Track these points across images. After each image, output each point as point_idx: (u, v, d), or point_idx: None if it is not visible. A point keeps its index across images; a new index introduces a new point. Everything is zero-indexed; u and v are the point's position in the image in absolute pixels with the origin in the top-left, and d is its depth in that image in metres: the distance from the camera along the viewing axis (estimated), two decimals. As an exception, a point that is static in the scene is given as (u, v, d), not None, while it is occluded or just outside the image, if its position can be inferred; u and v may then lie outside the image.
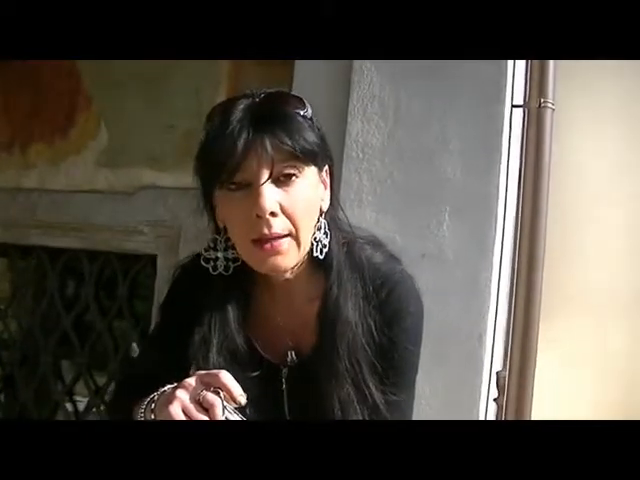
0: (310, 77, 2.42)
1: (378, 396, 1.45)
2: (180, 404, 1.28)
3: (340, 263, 1.48)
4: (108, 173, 3.01)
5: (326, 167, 1.49)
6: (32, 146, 3.16)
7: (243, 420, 1.30)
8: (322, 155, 1.45)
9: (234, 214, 1.42)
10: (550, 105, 2.25)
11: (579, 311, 2.43)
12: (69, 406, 3.30)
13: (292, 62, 2.49)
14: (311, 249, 1.45)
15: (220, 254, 1.48)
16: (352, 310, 1.46)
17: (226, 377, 1.29)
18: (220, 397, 1.28)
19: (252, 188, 1.38)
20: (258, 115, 1.38)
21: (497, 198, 2.21)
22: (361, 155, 2.35)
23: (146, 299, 3.05)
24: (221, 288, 1.48)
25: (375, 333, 1.47)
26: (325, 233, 1.47)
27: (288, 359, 1.52)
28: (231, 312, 1.48)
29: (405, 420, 1.52)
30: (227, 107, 1.41)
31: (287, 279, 1.48)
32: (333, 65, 2.40)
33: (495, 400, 2.26)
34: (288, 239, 1.41)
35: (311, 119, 1.44)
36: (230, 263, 1.48)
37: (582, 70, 2.23)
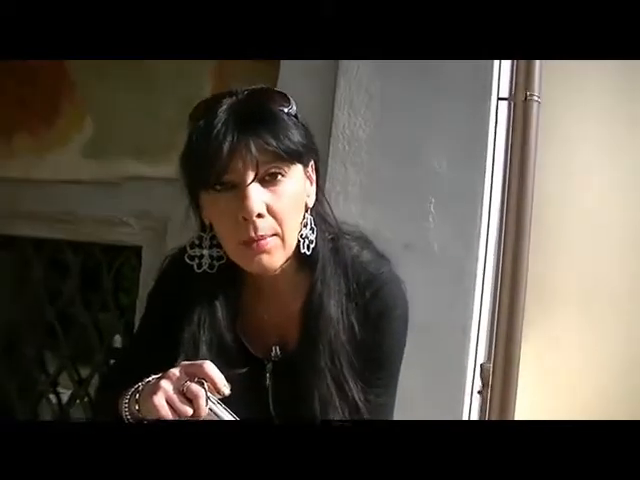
0: (296, 68, 2.41)
1: (358, 394, 1.45)
2: (164, 395, 1.28)
3: (325, 259, 1.47)
4: (93, 164, 2.98)
5: (312, 162, 1.49)
6: (16, 136, 3.13)
7: (226, 420, 1.30)
8: (307, 152, 1.45)
9: (220, 215, 1.42)
10: (536, 98, 2.26)
11: (564, 303, 2.44)
12: (53, 398, 3.28)
13: (278, 54, 2.48)
14: (298, 245, 1.45)
15: (205, 252, 1.47)
16: (335, 307, 1.46)
17: (210, 368, 1.30)
18: (204, 388, 1.28)
19: (238, 190, 1.37)
20: (242, 116, 1.37)
21: (483, 190, 2.21)
22: (347, 147, 2.34)
23: (131, 291, 3.03)
24: (209, 284, 1.48)
25: (358, 332, 1.47)
26: (311, 229, 1.47)
27: (272, 354, 1.52)
28: (219, 309, 1.48)
29: (387, 420, 1.52)
30: (210, 107, 1.40)
31: (274, 275, 1.47)
32: (319, 56, 2.39)
33: (479, 392, 2.26)
34: (274, 238, 1.40)
35: (296, 116, 1.44)
36: (215, 261, 1.48)
37: (567, 63, 2.23)
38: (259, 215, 1.37)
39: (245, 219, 1.37)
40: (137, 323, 1.77)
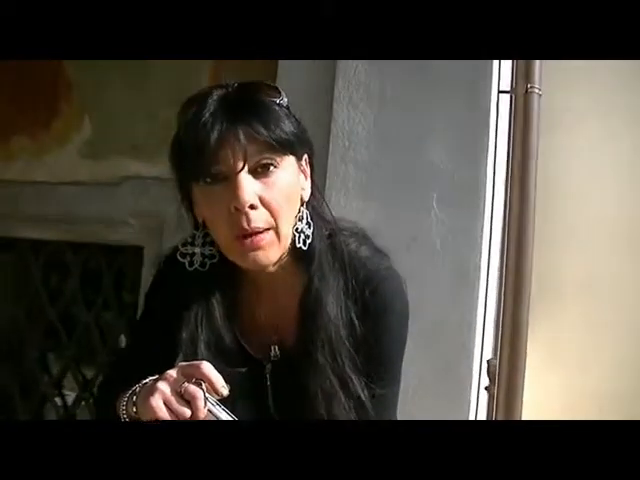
0: (295, 65, 2.39)
1: (362, 389, 1.43)
2: (161, 396, 1.26)
3: (322, 255, 1.45)
4: (92, 164, 2.97)
5: (305, 156, 1.47)
6: (14, 137, 3.11)
7: (227, 420, 1.28)
8: (300, 144, 1.42)
9: (213, 209, 1.39)
10: (537, 90, 2.23)
11: (569, 297, 2.42)
12: (58, 400, 3.27)
13: (276, 50, 2.46)
14: (293, 240, 1.43)
15: (197, 250, 1.45)
16: (333, 303, 1.44)
17: (208, 368, 1.28)
18: (202, 389, 1.26)
19: (229, 181, 1.35)
20: (232, 106, 1.36)
21: (485, 184, 2.20)
22: (347, 143, 2.32)
23: (133, 291, 3.02)
24: (205, 283, 1.45)
25: (357, 328, 1.44)
26: (307, 223, 1.45)
27: (272, 354, 1.50)
28: (217, 308, 1.46)
29: (392, 420, 1.50)
30: (200, 99, 1.38)
31: (270, 272, 1.45)
32: (318, 53, 2.37)
33: (486, 389, 2.24)
34: (269, 233, 1.38)
35: (287, 107, 1.42)
36: (207, 259, 1.45)
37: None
38: (252, 206, 1.35)
39: (237, 209, 1.34)
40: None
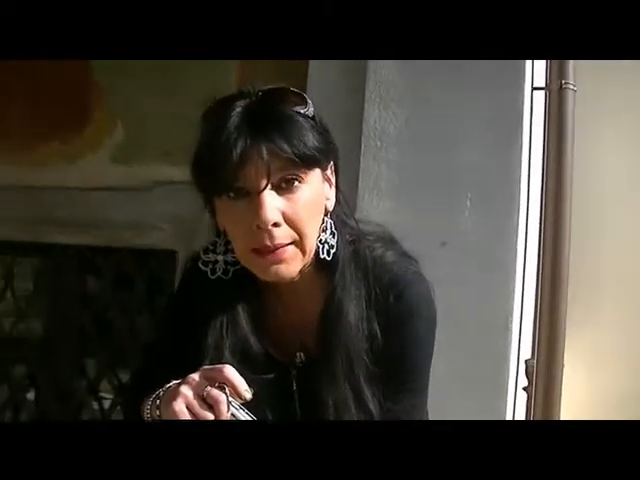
0: (325, 65, 2.38)
1: (374, 404, 1.40)
2: (184, 401, 1.24)
3: (345, 263, 1.42)
4: (124, 169, 2.98)
5: (331, 164, 1.43)
6: (47, 143, 3.13)
7: (247, 420, 1.27)
8: (325, 156, 1.38)
9: (234, 223, 1.36)
10: (571, 87, 2.20)
11: (607, 296, 2.39)
12: (94, 404, 3.29)
13: (307, 51, 2.45)
14: (317, 251, 1.40)
15: (220, 257, 1.42)
16: (354, 314, 1.40)
17: (230, 372, 1.25)
18: (225, 393, 1.24)
19: (252, 197, 1.32)
20: (255, 119, 1.32)
21: (519, 183, 2.17)
22: (379, 143, 2.30)
23: (166, 295, 3.02)
24: (229, 289, 1.43)
25: (380, 339, 1.41)
26: (332, 233, 1.41)
27: (297, 360, 1.48)
28: (242, 314, 1.44)
29: (421, 420, 1.48)
30: (223, 109, 1.35)
31: (293, 281, 1.41)
32: (349, 53, 2.36)
33: (525, 389, 2.22)
34: (292, 247, 1.35)
35: (313, 117, 1.37)
36: (230, 267, 1.42)
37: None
38: (275, 224, 1.32)
39: (260, 228, 1.32)
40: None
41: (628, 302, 2.38)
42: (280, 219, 1.33)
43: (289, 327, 1.48)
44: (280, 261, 1.35)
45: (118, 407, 3.18)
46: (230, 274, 1.43)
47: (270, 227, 1.31)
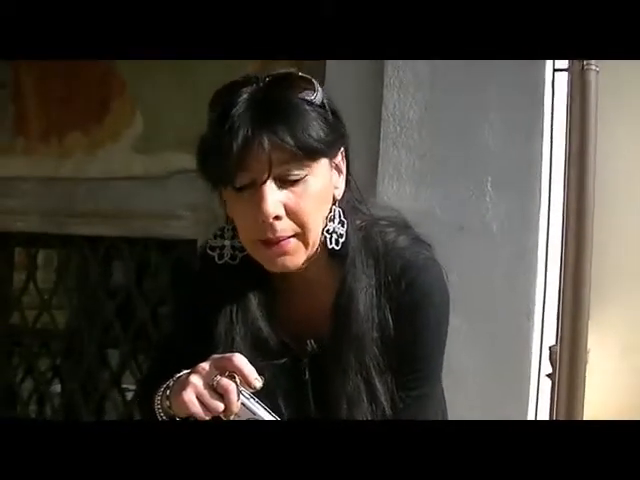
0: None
1: (386, 396, 1.37)
2: (194, 390, 1.24)
3: (355, 251, 1.39)
4: (144, 159, 2.98)
5: (341, 150, 1.40)
6: (68, 135, 3.14)
7: (256, 417, 1.26)
8: (332, 145, 1.35)
9: (239, 214, 1.35)
10: (594, 67, 2.16)
11: (632, 280, 2.35)
12: (117, 396, 3.29)
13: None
14: (325, 241, 1.37)
15: (227, 242, 1.40)
16: (365, 303, 1.38)
17: (240, 360, 1.25)
18: (235, 382, 1.23)
19: (255, 189, 1.30)
20: (259, 109, 1.28)
21: (540, 166, 2.14)
22: (398, 128, 2.29)
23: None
24: (239, 276, 1.41)
25: (392, 327, 1.38)
26: (341, 222, 1.38)
27: (309, 349, 1.45)
28: (252, 300, 1.42)
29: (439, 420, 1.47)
30: (228, 96, 1.31)
31: (302, 269, 1.39)
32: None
33: (549, 376, 2.19)
34: (294, 239, 1.33)
35: (322, 104, 1.34)
36: (237, 252, 1.40)
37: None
38: (277, 217, 1.30)
39: (262, 220, 1.30)
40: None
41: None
42: (282, 212, 1.30)
43: (301, 315, 1.46)
44: (284, 253, 1.33)
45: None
46: (238, 260, 1.40)
47: (271, 220, 1.30)
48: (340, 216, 1.39)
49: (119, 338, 3.21)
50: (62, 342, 3.41)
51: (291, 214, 1.31)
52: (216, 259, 1.41)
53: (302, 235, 1.33)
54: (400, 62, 2.28)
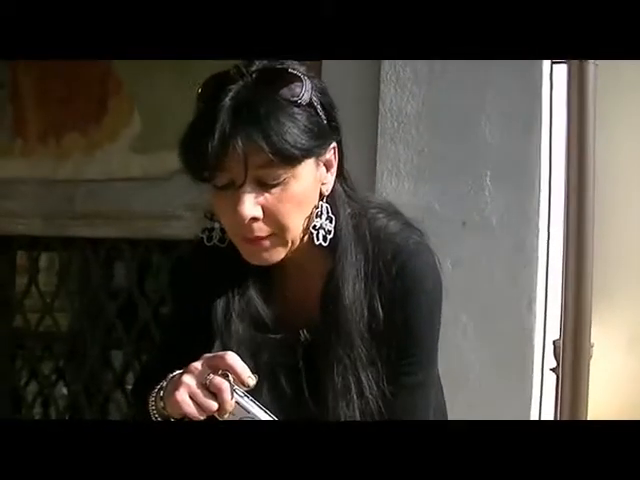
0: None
1: (373, 388, 1.36)
2: (187, 390, 1.23)
3: (346, 241, 1.38)
4: (143, 159, 2.97)
5: (332, 145, 1.37)
6: (66, 135, 3.14)
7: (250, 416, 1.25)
8: (316, 147, 1.32)
9: (220, 211, 1.34)
10: (592, 60, 2.15)
11: (633, 273, 2.34)
12: (121, 397, 3.29)
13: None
14: (312, 236, 1.36)
15: (216, 225, 1.39)
16: (354, 292, 1.37)
17: (233, 358, 1.24)
18: (228, 380, 1.22)
19: (235, 189, 1.28)
20: (240, 109, 1.26)
21: (539, 160, 2.13)
22: (396, 124, 2.28)
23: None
24: (234, 259, 1.40)
25: (382, 316, 1.37)
26: (328, 218, 1.37)
27: (301, 338, 1.45)
28: (247, 281, 1.41)
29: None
30: (215, 90, 1.30)
31: (292, 258, 1.39)
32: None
33: (553, 370, 2.18)
34: (273, 238, 1.33)
35: (309, 103, 1.32)
36: (226, 235, 1.39)
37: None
38: (253, 219, 1.29)
39: (239, 222, 1.29)
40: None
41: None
42: (259, 214, 1.29)
43: (295, 303, 1.45)
44: (263, 249, 1.33)
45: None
46: (226, 243, 1.39)
47: (247, 222, 1.29)
48: (328, 212, 1.38)
49: (122, 339, 3.21)
50: (65, 344, 3.40)
51: (269, 216, 1.30)
52: (205, 240, 1.40)
53: (280, 235, 1.33)
54: (397, 57, 2.27)
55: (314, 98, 1.33)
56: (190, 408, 1.23)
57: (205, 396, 1.23)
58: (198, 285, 1.44)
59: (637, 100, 2.38)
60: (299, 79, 1.32)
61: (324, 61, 2.33)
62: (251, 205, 1.28)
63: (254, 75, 1.31)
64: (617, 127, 2.34)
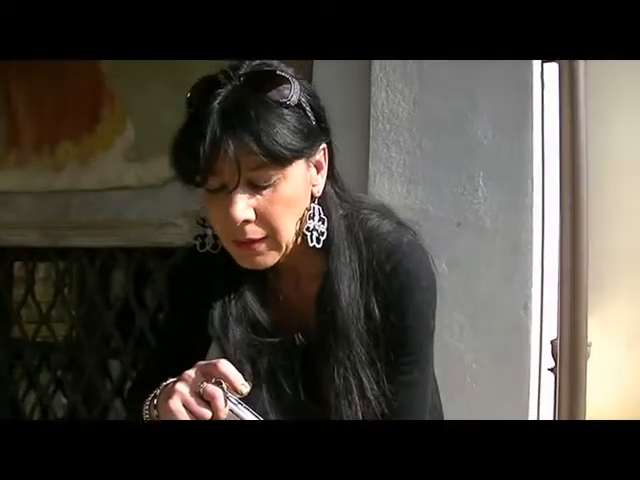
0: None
1: (373, 388, 1.37)
2: (180, 398, 1.23)
3: (339, 243, 1.38)
4: (137, 167, 2.97)
5: (322, 146, 1.38)
6: (60, 145, 3.14)
7: (245, 418, 1.25)
8: (307, 147, 1.32)
9: (212, 215, 1.34)
10: (582, 57, 2.15)
11: (628, 271, 2.33)
12: (119, 406, 3.28)
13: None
14: (306, 238, 1.37)
15: (209, 231, 1.40)
16: (350, 294, 1.37)
17: (226, 366, 1.24)
18: (222, 388, 1.22)
19: (227, 191, 1.28)
20: (230, 113, 1.26)
21: (532, 159, 2.13)
22: (388, 126, 2.27)
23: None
24: (229, 265, 1.40)
25: (378, 316, 1.38)
26: (321, 219, 1.38)
27: (297, 342, 1.45)
28: (245, 285, 1.42)
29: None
30: (204, 94, 1.30)
31: (286, 262, 1.39)
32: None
33: (551, 370, 2.17)
34: (266, 241, 1.33)
35: (298, 104, 1.32)
36: (218, 241, 1.39)
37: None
38: (245, 221, 1.29)
39: (231, 224, 1.29)
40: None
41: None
42: (251, 216, 1.30)
43: (291, 306, 1.46)
44: (254, 253, 1.33)
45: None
46: (219, 249, 1.39)
47: (240, 225, 1.29)
48: (320, 213, 1.38)
49: (119, 348, 3.20)
50: (63, 354, 3.39)
51: (261, 218, 1.31)
52: (198, 247, 1.41)
53: (272, 238, 1.33)
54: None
55: (303, 99, 1.34)
56: (184, 416, 1.22)
57: (199, 404, 1.22)
58: (194, 291, 1.45)
59: (634, 96, 2.38)
60: (287, 81, 1.32)
61: (314, 65, 2.33)
62: (243, 207, 1.28)
63: (242, 78, 1.31)
64: (612, 124, 2.34)
